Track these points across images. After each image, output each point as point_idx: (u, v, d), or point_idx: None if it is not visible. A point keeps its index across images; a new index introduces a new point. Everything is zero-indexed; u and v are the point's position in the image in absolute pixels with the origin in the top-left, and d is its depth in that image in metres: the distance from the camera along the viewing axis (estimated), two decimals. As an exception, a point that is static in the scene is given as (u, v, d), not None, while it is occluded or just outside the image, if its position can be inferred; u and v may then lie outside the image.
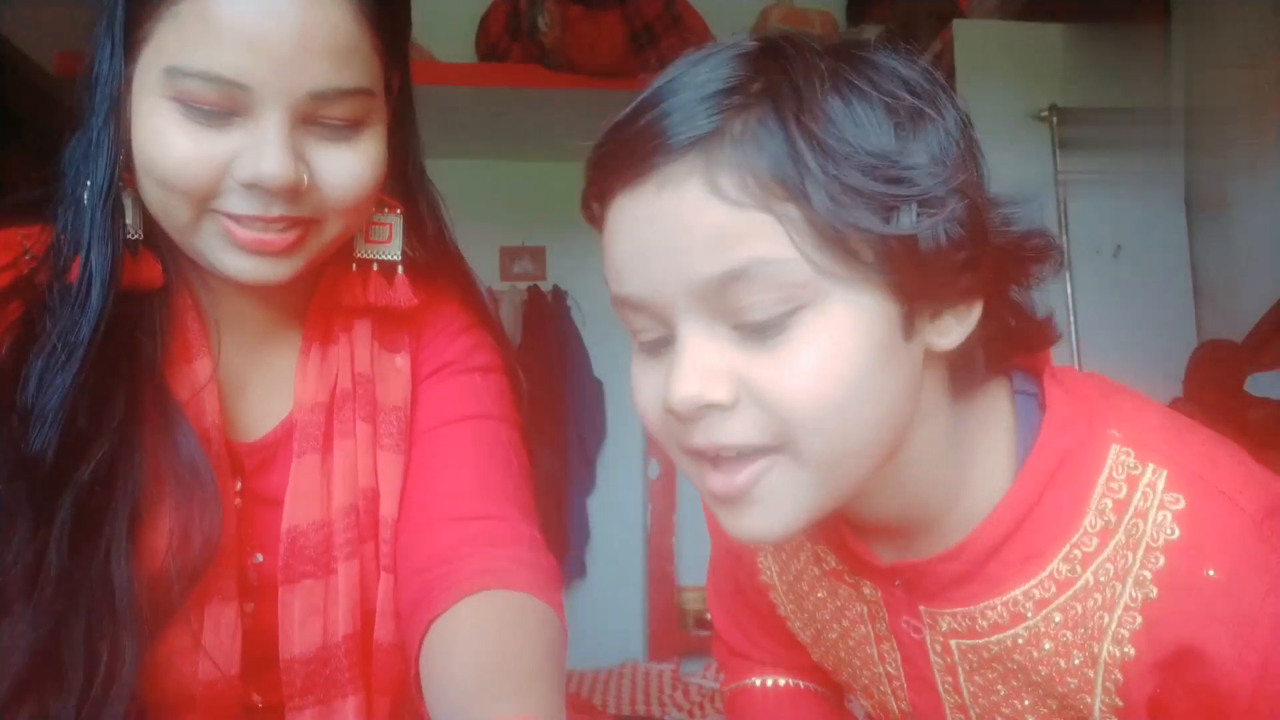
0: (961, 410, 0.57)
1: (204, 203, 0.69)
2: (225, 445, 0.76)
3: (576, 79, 2.82)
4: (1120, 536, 0.52)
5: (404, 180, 0.83)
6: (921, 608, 0.62)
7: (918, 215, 0.50)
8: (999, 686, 0.60)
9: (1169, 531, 0.51)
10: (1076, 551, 0.54)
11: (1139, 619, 0.52)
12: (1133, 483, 0.53)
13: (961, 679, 0.62)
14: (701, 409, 0.51)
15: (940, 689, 0.64)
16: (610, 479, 3.43)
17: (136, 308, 0.73)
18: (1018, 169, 2.04)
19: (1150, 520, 0.51)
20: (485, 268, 3.40)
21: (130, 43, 0.69)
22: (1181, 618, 0.50)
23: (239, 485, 0.78)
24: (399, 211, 0.82)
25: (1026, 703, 0.60)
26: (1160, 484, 0.52)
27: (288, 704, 0.76)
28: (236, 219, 0.69)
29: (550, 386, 3.33)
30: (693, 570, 3.34)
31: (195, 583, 0.71)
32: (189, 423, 0.73)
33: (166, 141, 0.68)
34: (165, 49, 0.67)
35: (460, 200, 3.53)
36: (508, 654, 0.64)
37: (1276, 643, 0.48)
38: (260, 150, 0.67)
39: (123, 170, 0.72)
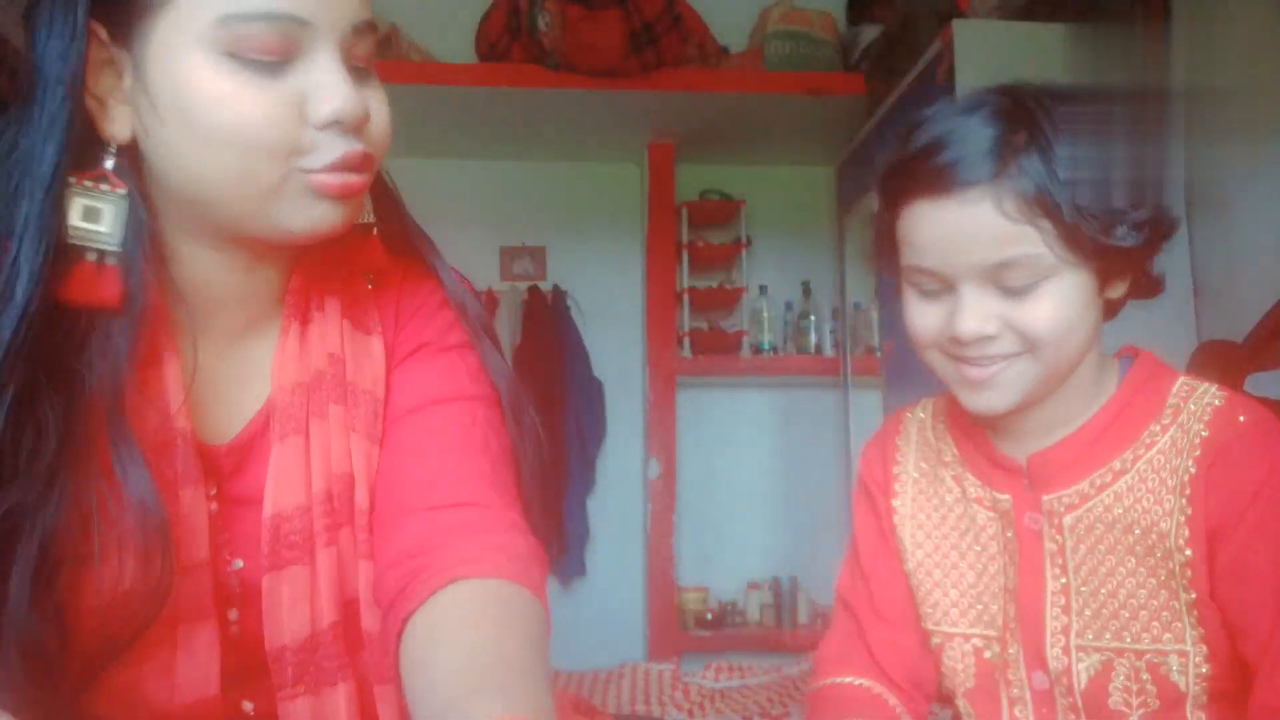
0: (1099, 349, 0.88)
1: (289, 159, 0.66)
2: (197, 451, 0.73)
3: (576, 79, 2.82)
4: (1184, 416, 0.83)
5: None
6: (1043, 497, 0.86)
7: (1125, 229, 0.79)
8: (1101, 549, 0.84)
9: (1215, 402, 0.83)
10: (1156, 426, 0.84)
11: (1196, 458, 0.80)
12: (1191, 391, 0.85)
13: (1069, 554, 0.85)
14: (979, 339, 0.80)
15: (1048, 575, 0.85)
16: (610, 479, 3.43)
17: (92, 322, 0.67)
18: (1018, 169, 2.04)
19: (1203, 404, 0.83)
20: (485, 268, 3.40)
21: (133, 15, 0.65)
22: (1222, 446, 0.80)
23: (214, 490, 0.75)
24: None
25: (1130, 563, 0.83)
26: (1209, 392, 0.84)
27: (279, 694, 0.74)
28: (328, 167, 0.67)
29: (550, 386, 3.32)
30: (693, 570, 3.34)
31: (139, 635, 0.67)
32: (142, 455, 0.67)
33: (236, 98, 0.64)
34: (205, 4, 0.64)
35: (460, 200, 3.53)
36: (486, 648, 0.63)
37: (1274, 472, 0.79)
38: (330, 87, 0.66)
39: (107, 167, 0.67)
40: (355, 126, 0.68)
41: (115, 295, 0.67)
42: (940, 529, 0.93)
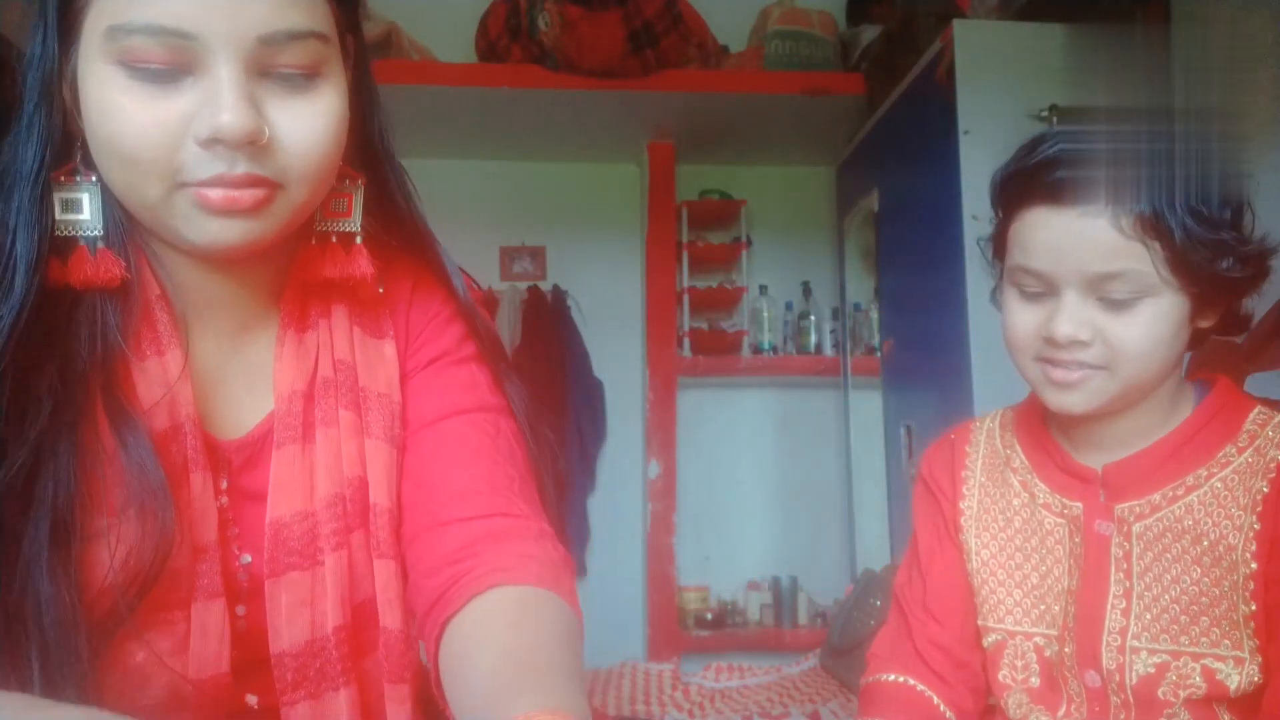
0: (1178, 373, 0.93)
1: (171, 175, 0.66)
2: (204, 440, 0.74)
3: (576, 79, 2.82)
4: (1260, 440, 0.88)
5: (367, 151, 0.79)
6: (1115, 506, 0.90)
7: (1231, 262, 0.84)
8: (1168, 558, 0.88)
9: None
10: (1232, 448, 0.88)
11: (1271, 480, 0.85)
12: (1269, 419, 0.89)
13: (1134, 560, 0.89)
14: (1072, 343, 0.85)
15: (1112, 578, 0.90)
16: (610, 479, 3.43)
17: (94, 308, 0.71)
18: (1018, 169, 2.05)
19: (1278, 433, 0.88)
20: (485, 268, 3.40)
21: (66, 18, 0.66)
22: None
23: (225, 483, 0.76)
24: (360, 183, 0.78)
25: (1195, 573, 0.87)
26: None
27: (280, 699, 0.75)
28: (204, 183, 0.65)
29: (550, 386, 3.32)
30: (692, 570, 3.34)
31: (145, 592, 0.68)
32: (142, 424, 0.70)
33: (118, 109, 0.64)
34: (105, 11, 0.64)
35: (460, 200, 3.53)
36: (524, 649, 0.64)
37: None
38: (216, 102, 0.64)
39: (77, 159, 0.70)
40: (240, 144, 0.65)
41: (114, 275, 0.70)
42: (1005, 532, 0.97)
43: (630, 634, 3.25)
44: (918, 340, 2.55)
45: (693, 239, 3.37)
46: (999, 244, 0.94)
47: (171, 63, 0.64)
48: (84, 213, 0.70)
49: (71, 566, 0.67)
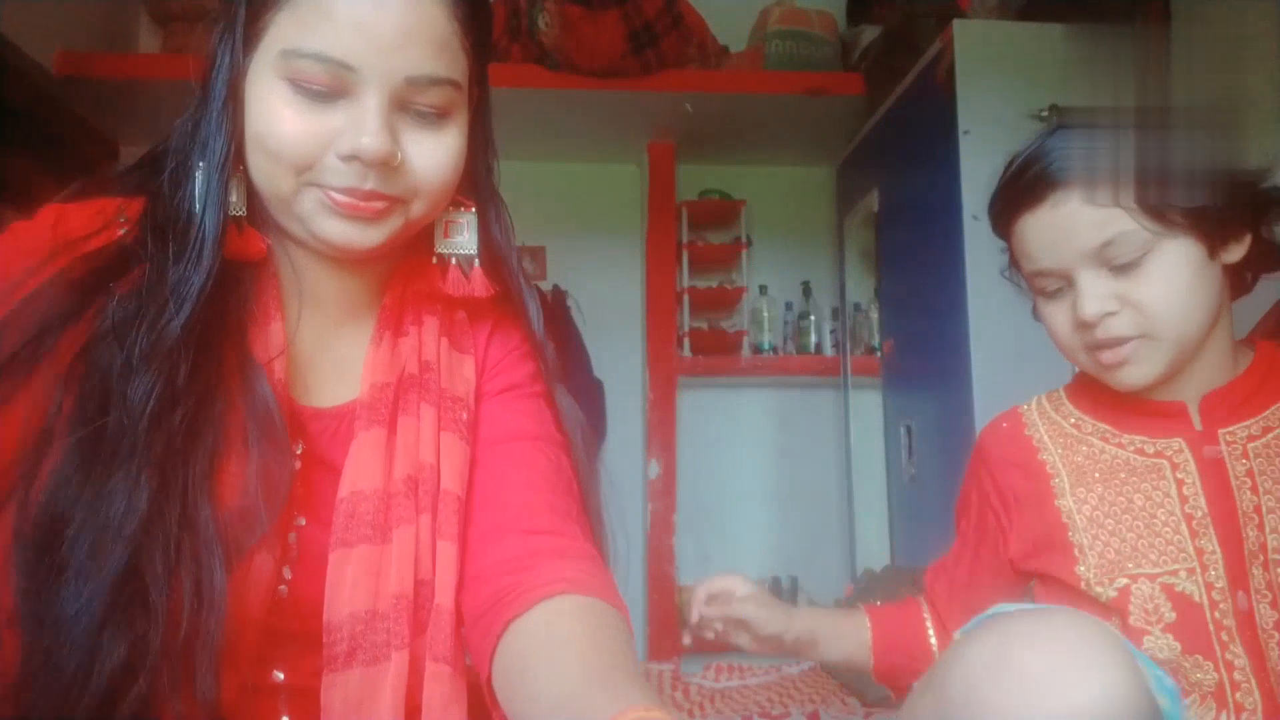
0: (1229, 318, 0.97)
1: (305, 174, 0.77)
2: (289, 405, 0.82)
3: (576, 79, 2.82)
4: None
5: (477, 183, 0.90)
6: (1220, 430, 0.95)
7: (1213, 190, 0.87)
8: None
9: None
10: None
11: None
12: None
13: (1258, 476, 0.92)
14: (1102, 316, 0.90)
15: (1237, 497, 0.92)
16: (610, 479, 3.42)
17: (233, 276, 0.81)
18: (1018, 169, 2.05)
19: None
20: (485, 268, 3.40)
21: (249, 34, 0.78)
22: None
23: (300, 447, 0.83)
24: (473, 210, 0.89)
25: None
26: None
27: (327, 666, 0.78)
28: (335, 189, 0.77)
29: (550, 386, 3.32)
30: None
31: (274, 519, 0.77)
32: (265, 379, 0.79)
33: (278, 116, 0.76)
34: (282, 36, 0.76)
35: (460, 200, 3.41)
36: (608, 652, 0.70)
37: None
38: (361, 126, 0.76)
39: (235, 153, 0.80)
40: (374, 164, 0.76)
41: (260, 248, 0.83)
42: (1100, 486, 0.98)
43: (630, 634, 3.25)
44: (918, 340, 2.55)
45: (693, 239, 3.37)
46: (1016, 265, 1.00)
47: (330, 86, 0.76)
48: (233, 196, 0.80)
49: (216, 495, 0.75)
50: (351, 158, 0.76)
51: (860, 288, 3.22)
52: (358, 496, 0.80)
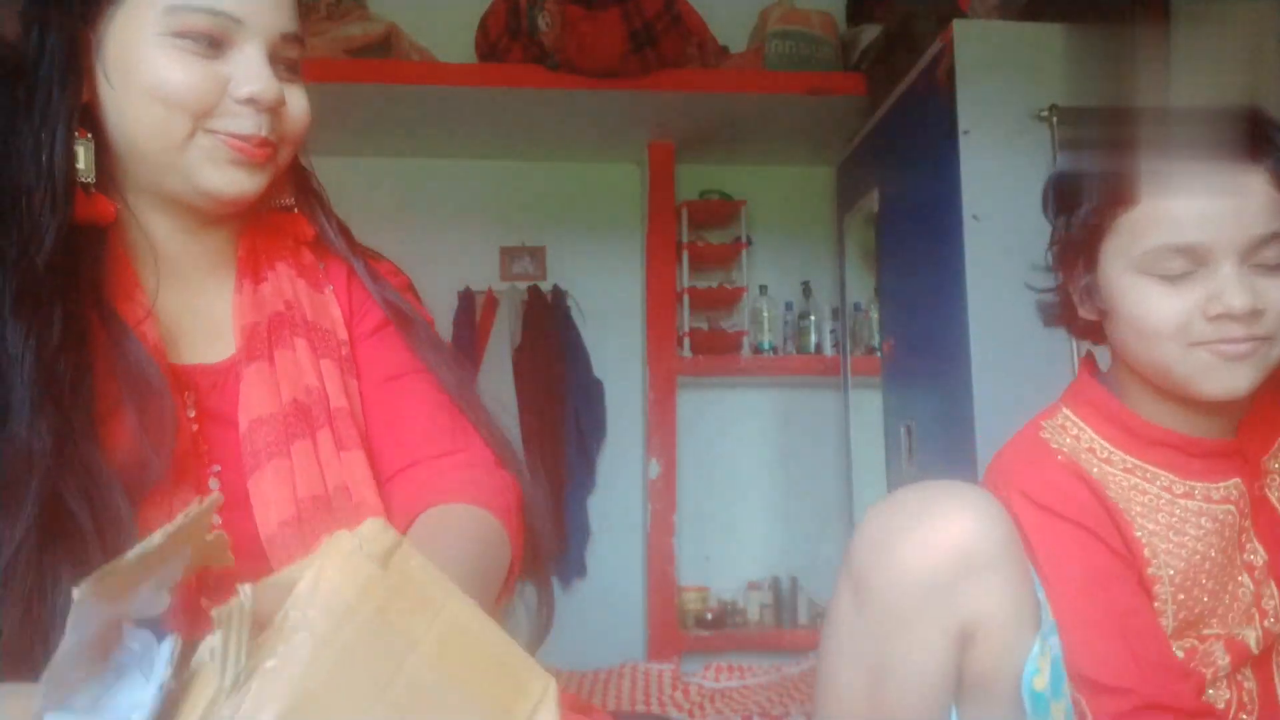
0: None
1: (202, 119, 0.82)
2: (169, 367, 0.85)
3: (576, 79, 2.82)
4: None
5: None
6: (1264, 459, 0.90)
7: None
8: None
9: None
10: None
11: None
12: None
13: None
14: (1250, 311, 0.81)
15: None
16: (610, 479, 3.42)
17: (83, 241, 0.84)
18: (1018, 169, 2.05)
19: None
20: (485, 268, 3.40)
21: (104, 2, 0.82)
22: None
23: (193, 403, 0.87)
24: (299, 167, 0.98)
25: None
26: None
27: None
28: (233, 134, 0.83)
29: (550, 386, 3.32)
30: (693, 570, 3.33)
31: (166, 466, 0.80)
32: (134, 339, 0.83)
33: (171, 67, 0.81)
34: None
35: (460, 200, 3.52)
36: (453, 552, 0.77)
37: None
38: (254, 72, 0.83)
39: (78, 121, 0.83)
40: (268, 109, 0.83)
41: (109, 212, 0.85)
42: (1189, 533, 0.90)
43: (630, 634, 3.25)
44: (918, 340, 2.55)
45: (693, 239, 3.37)
46: (1082, 247, 0.88)
47: (219, 37, 0.82)
48: (81, 163, 0.83)
49: (103, 447, 0.78)
50: (249, 101, 0.82)
51: (860, 287, 3.22)
52: (257, 424, 0.86)
